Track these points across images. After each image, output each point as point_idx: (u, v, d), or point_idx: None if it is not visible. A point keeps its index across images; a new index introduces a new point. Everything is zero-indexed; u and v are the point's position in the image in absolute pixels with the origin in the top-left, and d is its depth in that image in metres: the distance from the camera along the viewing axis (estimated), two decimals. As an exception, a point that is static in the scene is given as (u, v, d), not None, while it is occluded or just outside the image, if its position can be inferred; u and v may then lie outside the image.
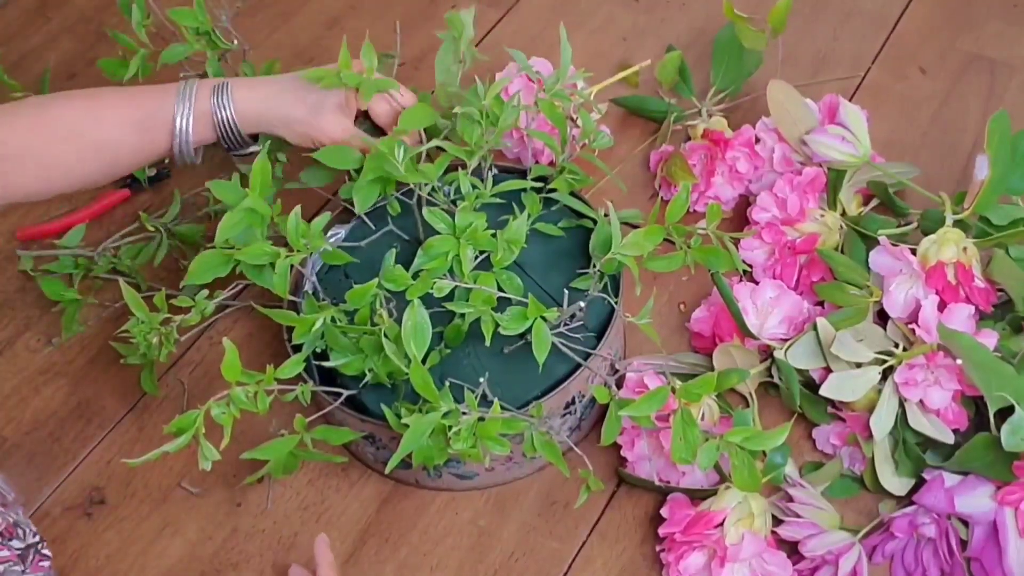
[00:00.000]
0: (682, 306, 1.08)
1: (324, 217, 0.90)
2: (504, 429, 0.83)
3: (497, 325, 0.85)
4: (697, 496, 0.92)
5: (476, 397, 0.84)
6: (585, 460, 0.88)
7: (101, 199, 1.19)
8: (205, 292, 0.91)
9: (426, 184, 0.92)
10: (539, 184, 0.99)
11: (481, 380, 0.86)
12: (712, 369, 0.98)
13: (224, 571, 0.95)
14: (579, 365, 0.90)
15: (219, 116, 0.94)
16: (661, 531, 0.91)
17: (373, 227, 0.96)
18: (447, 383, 0.84)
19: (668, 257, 0.91)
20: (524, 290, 0.90)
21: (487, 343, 0.86)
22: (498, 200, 0.93)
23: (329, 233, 1.00)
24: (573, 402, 0.94)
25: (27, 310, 1.12)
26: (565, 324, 0.88)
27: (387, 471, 0.85)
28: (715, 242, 0.92)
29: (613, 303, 0.93)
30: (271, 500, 0.98)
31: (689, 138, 1.15)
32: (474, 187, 0.93)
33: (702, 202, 1.12)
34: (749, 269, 1.05)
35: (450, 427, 0.81)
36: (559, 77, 0.97)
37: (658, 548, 0.93)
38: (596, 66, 1.20)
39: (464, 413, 0.82)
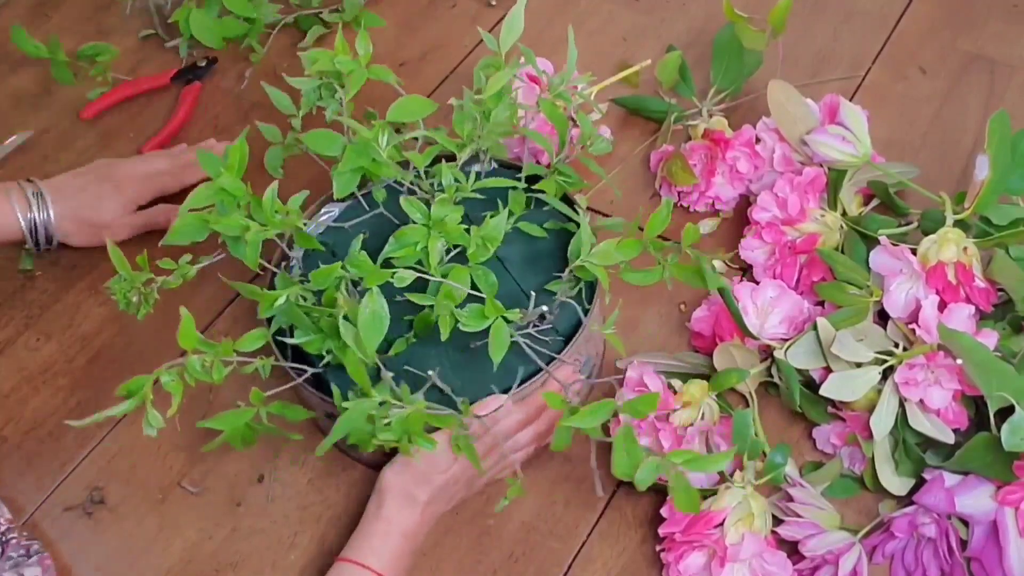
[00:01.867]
0: (683, 306, 1.08)
1: (302, 194, 0.90)
2: (434, 422, 0.84)
3: (457, 321, 0.85)
4: (697, 496, 0.92)
5: (423, 389, 0.84)
6: (518, 471, 0.89)
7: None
8: (188, 256, 0.91)
9: (413, 171, 0.92)
10: (525, 185, 0.98)
11: (431, 372, 0.87)
12: (713, 368, 0.98)
13: (224, 571, 0.95)
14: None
15: (38, 228, 1.07)
16: (661, 531, 0.91)
17: (367, 208, 0.96)
18: (401, 377, 0.85)
19: (645, 272, 0.91)
20: (497, 287, 0.90)
21: (443, 338, 0.86)
22: (481, 197, 0.93)
23: (323, 211, 1.00)
24: None
25: (27, 310, 1.12)
26: (534, 326, 0.88)
27: (318, 453, 0.86)
28: (693, 259, 0.92)
29: (581, 311, 0.93)
30: (271, 499, 0.98)
31: (689, 138, 1.15)
32: (457, 181, 0.93)
33: (702, 202, 1.12)
34: (728, 286, 1.02)
35: (382, 417, 0.82)
36: (564, 78, 0.96)
37: (658, 548, 0.93)
38: (596, 66, 1.20)
39: (397, 406, 0.82)
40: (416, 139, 0.93)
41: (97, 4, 1.40)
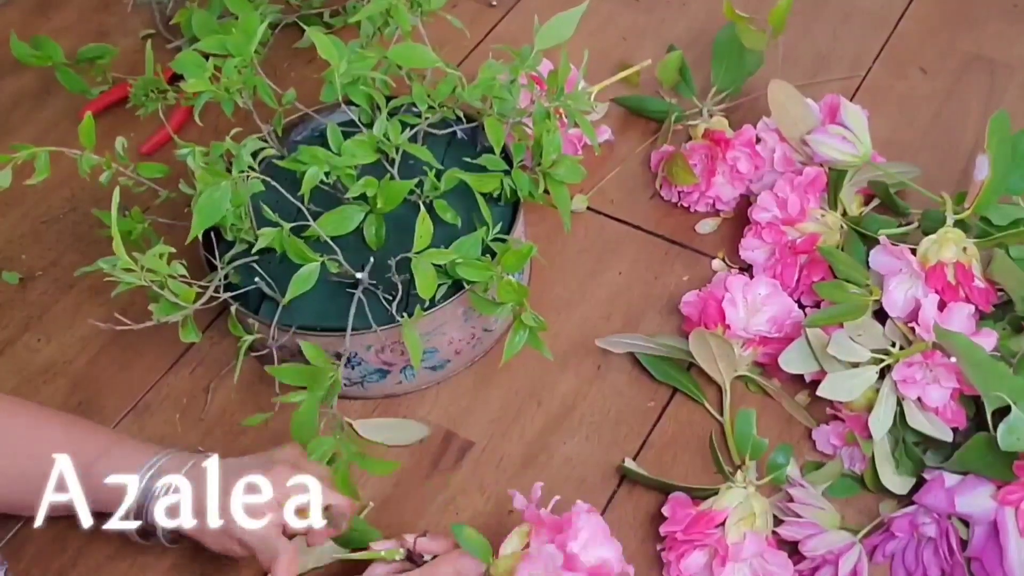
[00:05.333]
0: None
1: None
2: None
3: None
4: (698, 495, 0.92)
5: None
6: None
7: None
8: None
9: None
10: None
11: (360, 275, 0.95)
12: (688, 354, 0.98)
13: (224, 571, 0.95)
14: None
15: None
16: (662, 530, 0.91)
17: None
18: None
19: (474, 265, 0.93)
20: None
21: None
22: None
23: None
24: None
25: (27, 310, 1.12)
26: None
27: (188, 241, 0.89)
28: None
29: (395, 314, 0.95)
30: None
31: (690, 138, 1.15)
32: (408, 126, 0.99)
33: (702, 202, 1.12)
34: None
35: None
36: (560, 83, 0.97)
37: (659, 547, 0.93)
38: (596, 66, 1.20)
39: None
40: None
41: (97, 5, 1.40)
